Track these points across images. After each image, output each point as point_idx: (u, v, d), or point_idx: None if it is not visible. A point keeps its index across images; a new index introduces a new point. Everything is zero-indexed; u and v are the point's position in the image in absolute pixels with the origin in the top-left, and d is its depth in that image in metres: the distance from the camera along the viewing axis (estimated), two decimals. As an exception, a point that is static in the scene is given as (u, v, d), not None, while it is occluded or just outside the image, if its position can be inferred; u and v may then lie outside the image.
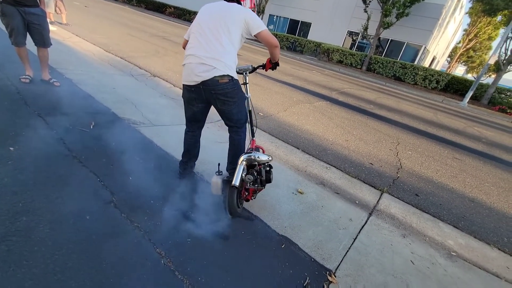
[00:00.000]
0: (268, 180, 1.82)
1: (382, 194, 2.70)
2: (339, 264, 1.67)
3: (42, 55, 3.25)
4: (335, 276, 1.57)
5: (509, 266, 2.06)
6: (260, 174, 1.79)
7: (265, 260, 1.57)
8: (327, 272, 1.58)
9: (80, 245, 1.35)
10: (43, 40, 3.16)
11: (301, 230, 1.89)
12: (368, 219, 2.23)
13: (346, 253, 1.79)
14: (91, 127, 2.56)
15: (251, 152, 1.79)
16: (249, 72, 2.06)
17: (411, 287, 1.63)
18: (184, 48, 1.90)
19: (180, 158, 2.15)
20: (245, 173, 1.74)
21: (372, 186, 2.81)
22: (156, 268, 1.34)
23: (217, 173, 1.85)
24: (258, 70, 2.10)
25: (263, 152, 2.44)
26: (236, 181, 1.66)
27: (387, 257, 1.84)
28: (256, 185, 1.81)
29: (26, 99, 2.77)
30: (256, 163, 1.79)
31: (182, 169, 2.11)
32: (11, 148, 1.95)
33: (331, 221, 2.08)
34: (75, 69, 4.15)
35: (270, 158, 1.87)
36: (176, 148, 2.52)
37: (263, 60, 2.08)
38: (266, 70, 2.11)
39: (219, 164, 1.90)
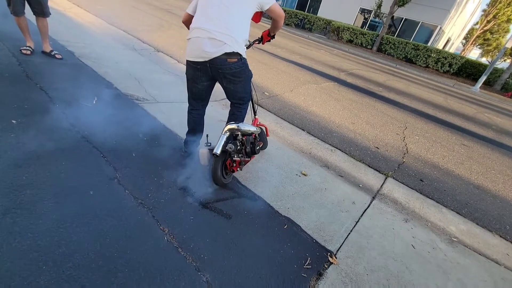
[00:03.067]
0: (253, 152, 1.81)
1: (386, 178, 2.67)
2: (340, 246, 1.68)
3: (41, 25, 3.13)
4: (336, 258, 1.58)
5: (509, 253, 2.07)
6: (245, 145, 1.77)
7: (267, 239, 1.58)
8: (328, 254, 1.59)
9: (84, 220, 1.36)
10: (41, 9, 3.03)
11: (303, 211, 1.90)
12: (371, 202, 2.22)
13: (347, 235, 1.79)
14: (94, 102, 2.52)
15: (236, 123, 1.75)
16: (247, 47, 1.99)
17: (411, 270, 1.64)
18: (184, 23, 1.80)
19: (184, 136, 2.12)
20: (229, 143, 1.71)
21: (377, 170, 2.78)
22: (159, 245, 1.35)
23: (206, 144, 1.83)
24: (259, 46, 2.04)
25: (267, 131, 2.41)
26: (217, 149, 1.64)
27: (388, 240, 1.85)
28: (241, 156, 1.81)
29: (28, 71, 2.72)
30: (239, 133, 1.76)
31: (186, 148, 2.08)
32: (14, 121, 1.93)
33: (334, 203, 2.08)
34: (76, 42, 4.04)
35: (257, 130, 1.85)
36: (179, 126, 2.48)
37: (260, 33, 2.01)
38: (263, 43, 2.07)
39: (207, 136, 1.87)
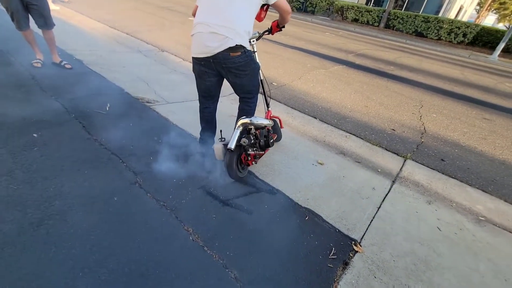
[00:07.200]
0: (267, 145, 1.83)
1: (405, 161, 2.61)
2: (364, 234, 1.67)
3: (48, 37, 3.18)
4: (360, 246, 1.57)
5: (542, 228, 1.99)
6: (258, 138, 1.78)
7: (290, 232, 1.59)
8: (353, 242, 1.59)
9: (112, 225, 1.41)
10: (44, 22, 3.04)
11: (323, 201, 1.89)
12: (391, 187, 2.18)
13: (370, 222, 1.78)
14: (107, 109, 2.56)
15: (249, 117, 1.76)
16: (256, 39, 1.95)
17: (439, 253, 1.61)
18: (193, 15, 1.77)
19: (197, 135, 2.13)
20: (243, 137, 1.73)
21: (395, 153, 2.72)
22: (186, 245, 1.38)
23: (220, 140, 1.85)
24: (264, 36, 2.00)
25: (280, 122, 2.39)
26: (231, 144, 1.66)
27: (412, 224, 1.82)
28: (255, 149, 1.83)
29: (41, 84, 2.79)
30: (252, 127, 1.77)
31: (202, 146, 2.10)
32: (35, 135, 1.99)
33: (354, 191, 2.06)
34: (83, 50, 4.10)
35: (270, 123, 1.85)
36: (192, 125, 2.50)
37: (269, 24, 1.96)
38: (272, 34, 2.03)
39: (221, 131, 1.90)
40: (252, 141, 1.78)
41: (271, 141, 1.86)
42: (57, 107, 2.43)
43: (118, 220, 1.45)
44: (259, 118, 1.78)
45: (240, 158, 1.85)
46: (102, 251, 1.27)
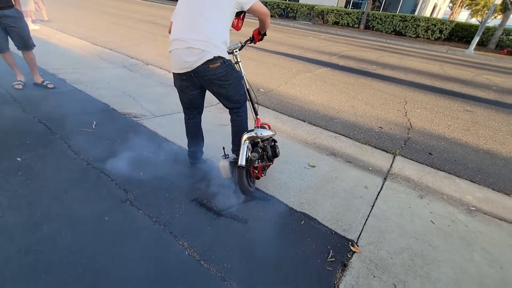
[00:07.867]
0: (275, 155, 1.83)
1: (394, 157, 2.65)
2: (360, 233, 1.68)
3: (28, 58, 3.12)
4: (357, 246, 1.58)
5: (530, 213, 2.05)
6: (266, 150, 1.79)
7: (287, 238, 1.58)
8: (350, 243, 1.59)
9: (104, 246, 1.37)
10: (23, 43, 2.98)
11: (318, 204, 1.89)
12: (383, 184, 2.21)
13: (365, 221, 1.79)
14: (93, 126, 2.52)
15: (253, 130, 1.75)
16: (239, 49, 1.95)
17: (434, 247, 1.63)
18: (169, 32, 1.77)
19: (186, 146, 2.11)
20: (250, 152, 1.72)
21: (384, 150, 2.77)
22: (181, 260, 1.35)
23: (224, 157, 1.84)
24: (248, 44, 2.01)
25: (269, 128, 2.40)
26: (241, 161, 1.63)
27: (406, 220, 1.84)
28: (263, 162, 1.83)
29: (23, 106, 2.72)
30: (259, 140, 1.77)
31: (191, 159, 2.08)
32: (19, 159, 1.93)
33: (347, 191, 2.07)
34: (66, 68, 4.03)
35: (273, 133, 1.86)
36: (181, 137, 2.47)
37: (251, 32, 1.97)
38: (255, 43, 2.03)
39: (224, 148, 1.88)
40: (260, 153, 1.76)
41: (277, 150, 1.86)
42: (40, 128, 2.37)
43: (110, 240, 1.41)
44: (262, 130, 1.78)
45: (249, 172, 1.84)
46: (95, 274, 1.23)
